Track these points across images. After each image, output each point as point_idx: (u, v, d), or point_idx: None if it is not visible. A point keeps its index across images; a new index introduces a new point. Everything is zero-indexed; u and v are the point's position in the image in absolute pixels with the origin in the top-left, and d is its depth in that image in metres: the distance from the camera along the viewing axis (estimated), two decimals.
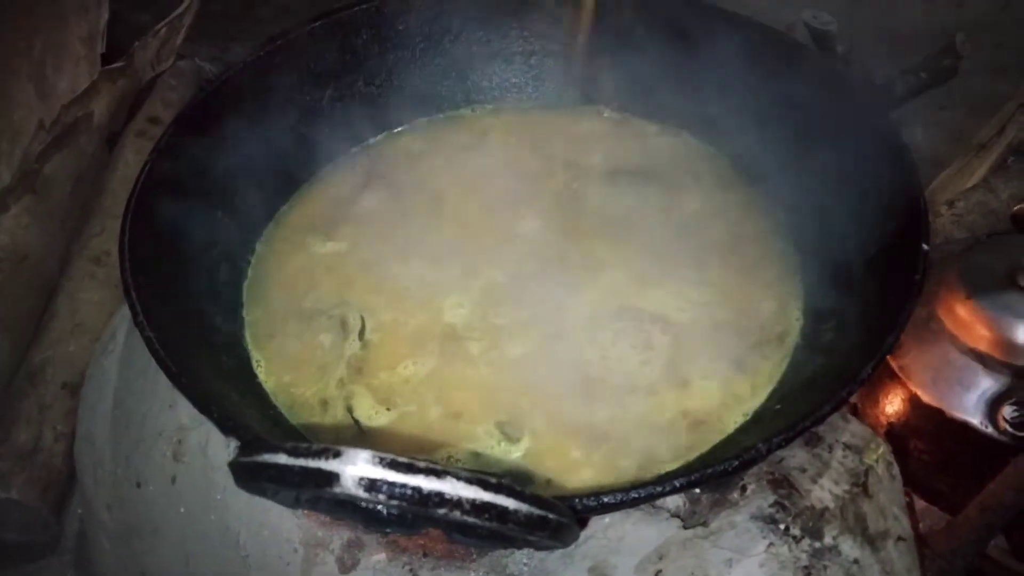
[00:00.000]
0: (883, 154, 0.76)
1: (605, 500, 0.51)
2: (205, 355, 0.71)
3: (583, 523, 0.50)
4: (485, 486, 0.39)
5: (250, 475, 0.41)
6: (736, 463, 0.52)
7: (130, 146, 1.26)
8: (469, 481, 0.39)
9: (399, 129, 0.99)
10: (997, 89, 1.31)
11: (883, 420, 0.95)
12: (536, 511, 0.40)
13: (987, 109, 1.31)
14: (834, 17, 1.28)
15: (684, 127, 0.97)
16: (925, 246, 0.65)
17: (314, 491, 0.39)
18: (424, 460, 0.39)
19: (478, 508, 0.39)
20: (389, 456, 0.39)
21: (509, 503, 0.39)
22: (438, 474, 0.39)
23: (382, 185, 0.91)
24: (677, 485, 0.51)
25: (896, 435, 0.92)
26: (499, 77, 1.02)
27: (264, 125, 0.89)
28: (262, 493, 0.43)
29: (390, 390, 0.74)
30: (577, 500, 0.49)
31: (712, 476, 0.52)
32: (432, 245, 0.85)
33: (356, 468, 0.38)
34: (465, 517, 0.38)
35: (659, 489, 0.51)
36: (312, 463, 0.38)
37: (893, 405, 0.97)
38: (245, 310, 0.81)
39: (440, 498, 0.38)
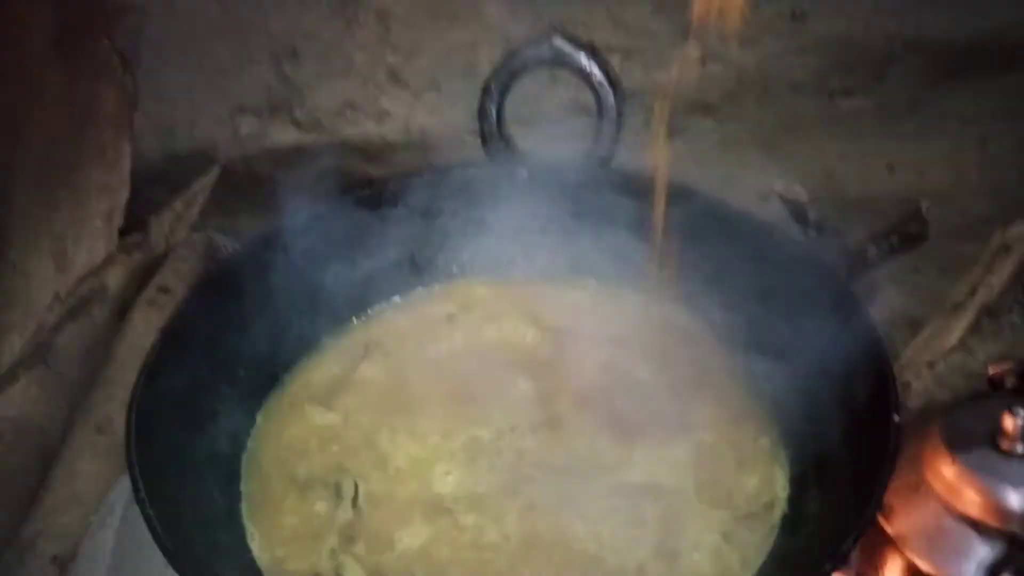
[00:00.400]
0: (851, 326, 0.81)
1: None
2: (201, 530, 0.72)
3: None
4: None
5: None
6: None
7: (140, 315, 1.30)
8: None
9: (397, 299, 1.05)
10: (964, 252, 1.37)
11: None
12: None
13: (957, 270, 1.37)
14: (805, 187, 1.37)
15: (667, 299, 1.02)
16: (896, 418, 0.67)
17: None
18: None
19: None
20: None
21: None
22: None
23: (379, 355, 0.95)
24: None
25: None
26: (492, 251, 1.08)
27: (270, 301, 0.95)
28: None
29: (381, 564, 0.74)
30: None
31: None
32: (423, 415, 0.87)
33: None
34: None
35: None
36: None
37: (893, 573, 0.95)
38: (242, 482, 0.82)
39: None
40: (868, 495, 0.61)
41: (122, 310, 1.35)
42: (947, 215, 1.42)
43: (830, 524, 0.67)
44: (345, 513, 0.78)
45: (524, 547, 0.74)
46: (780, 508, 0.76)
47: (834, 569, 0.58)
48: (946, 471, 0.89)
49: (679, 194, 1.01)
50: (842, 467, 0.72)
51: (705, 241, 0.98)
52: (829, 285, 0.86)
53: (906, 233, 1.36)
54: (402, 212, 1.06)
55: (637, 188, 1.04)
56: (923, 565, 0.90)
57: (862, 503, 0.61)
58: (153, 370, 0.77)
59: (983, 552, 0.84)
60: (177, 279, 1.36)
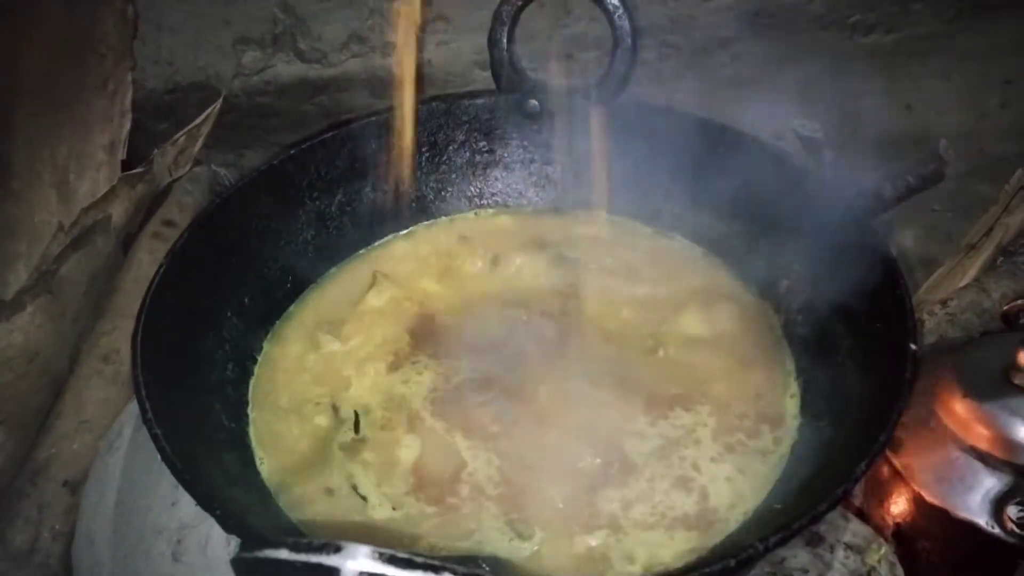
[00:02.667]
0: (870, 258, 0.79)
1: None
2: (209, 453, 0.72)
3: None
4: None
5: (252, 571, 0.41)
6: (732, 562, 0.52)
7: (145, 248, 1.29)
8: None
9: (405, 232, 1.03)
10: (981, 192, 1.35)
11: (889, 521, 0.94)
12: None
13: (974, 211, 1.35)
14: (821, 125, 1.34)
15: (676, 230, 1.01)
16: (913, 346, 0.66)
17: None
18: (423, 556, 0.40)
19: None
20: (388, 551, 0.39)
21: None
22: (435, 570, 0.39)
23: (386, 284, 0.94)
24: None
25: (903, 536, 0.91)
26: (501, 183, 1.07)
27: (275, 229, 0.94)
28: None
29: (390, 476, 0.75)
30: None
31: (722, 573, 0.52)
32: (431, 341, 0.87)
33: (356, 563, 0.39)
34: None
35: None
36: (313, 558, 0.39)
37: (898, 506, 0.96)
38: (250, 408, 0.82)
39: None
40: (883, 422, 0.61)
41: (126, 242, 1.35)
42: (965, 155, 1.39)
43: (842, 452, 0.66)
44: (346, 435, 0.79)
45: (539, 463, 0.74)
46: (790, 437, 0.75)
47: (846, 494, 0.57)
48: (957, 405, 0.89)
49: (694, 125, 0.99)
50: (855, 397, 0.71)
51: (719, 172, 0.96)
52: (845, 212, 0.84)
53: (923, 173, 1.34)
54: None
55: (650, 119, 1.02)
56: (930, 497, 0.91)
57: (876, 429, 0.61)
58: (159, 293, 0.76)
59: (990, 484, 0.85)
60: (181, 212, 1.35)
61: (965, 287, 1.19)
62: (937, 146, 1.35)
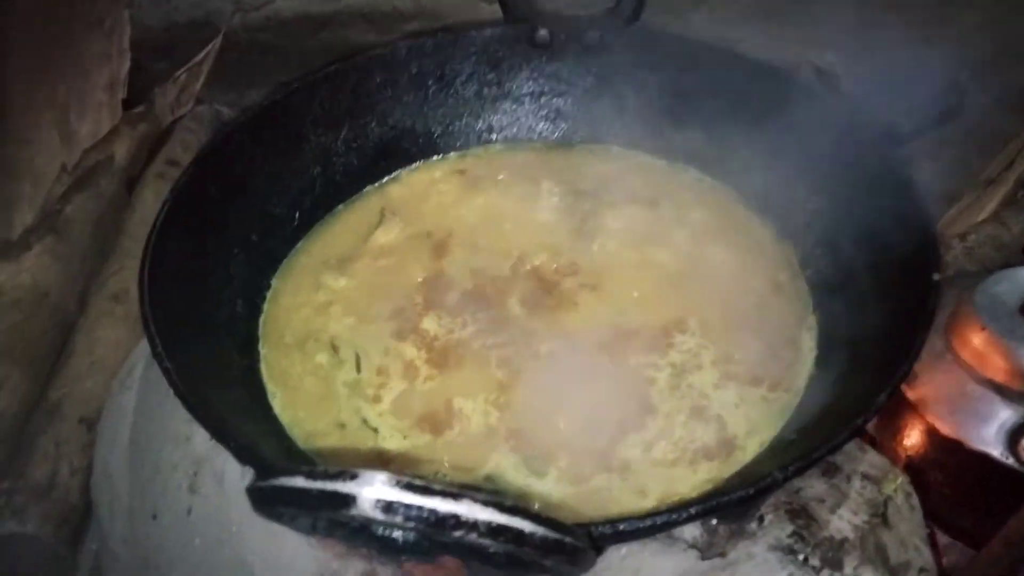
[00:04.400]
0: (892, 187, 0.77)
1: (621, 528, 0.51)
2: (221, 388, 0.71)
3: (599, 550, 0.50)
4: (500, 508, 0.39)
5: (268, 499, 0.41)
6: (751, 490, 0.52)
7: (149, 188, 1.28)
8: (485, 503, 0.39)
9: (412, 167, 1.01)
10: (1003, 126, 1.32)
11: (902, 454, 0.93)
12: (551, 534, 0.40)
13: (994, 145, 1.32)
14: (838, 57, 1.30)
15: (691, 163, 0.98)
16: (936, 276, 0.65)
17: (331, 513, 0.39)
18: (441, 483, 0.40)
19: (493, 530, 0.39)
20: (406, 478, 0.39)
21: (525, 525, 0.39)
22: (454, 496, 0.39)
23: (394, 221, 0.92)
24: (692, 512, 0.51)
25: (916, 469, 0.91)
26: (509, 117, 1.04)
27: (279, 165, 0.92)
28: (279, 519, 0.44)
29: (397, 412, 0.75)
30: (593, 527, 0.49)
31: (727, 504, 0.52)
32: (439, 281, 0.86)
33: (373, 490, 0.38)
34: (481, 540, 0.38)
35: (674, 517, 0.51)
36: (329, 485, 0.39)
37: (911, 438, 0.96)
38: (261, 344, 0.82)
39: (456, 520, 0.38)
40: (903, 353, 0.60)
41: (130, 183, 1.34)
42: (986, 88, 1.35)
43: (860, 384, 0.65)
44: (350, 374, 0.79)
45: (554, 400, 0.74)
46: (807, 368, 0.75)
47: (865, 424, 0.57)
48: (974, 338, 0.88)
49: (708, 54, 0.96)
50: (874, 329, 0.70)
51: (734, 103, 0.93)
52: (864, 143, 0.81)
53: (942, 106, 1.31)
54: (414, 77, 1.01)
55: (663, 48, 0.99)
56: (944, 429, 0.91)
57: (896, 361, 0.60)
58: (164, 230, 0.75)
59: (1005, 415, 0.84)
60: (185, 151, 1.33)
61: (984, 221, 1.17)
62: (957, 79, 1.31)
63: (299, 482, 0.39)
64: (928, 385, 0.90)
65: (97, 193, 1.24)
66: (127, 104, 1.40)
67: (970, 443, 0.84)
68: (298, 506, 0.40)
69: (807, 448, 0.56)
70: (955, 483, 0.90)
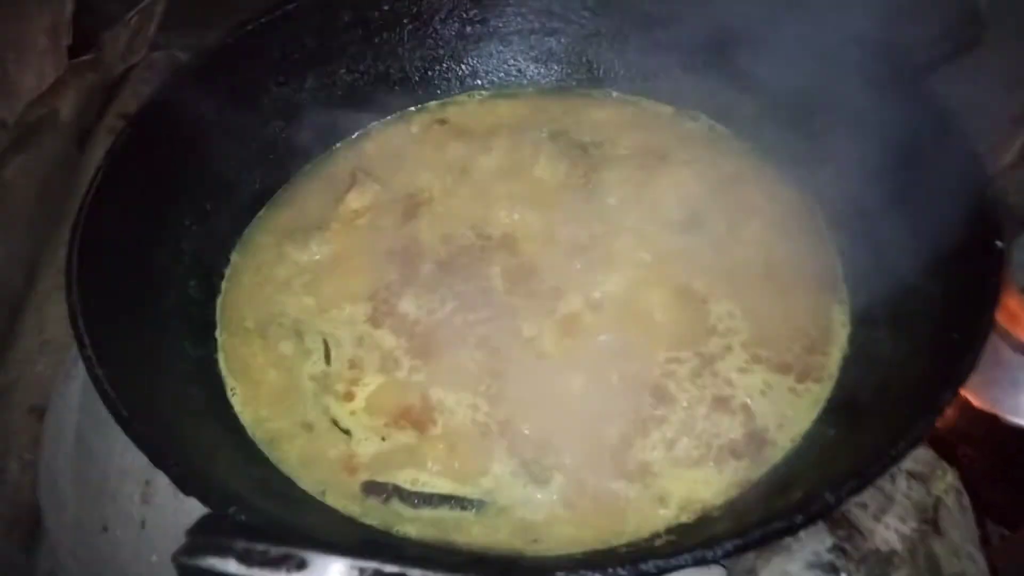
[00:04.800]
0: (937, 138, 0.67)
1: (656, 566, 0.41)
2: (170, 388, 0.62)
3: None
4: None
5: None
6: (800, 518, 0.43)
7: (101, 145, 1.16)
8: None
9: (388, 119, 0.90)
10: None
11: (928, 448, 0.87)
12: None
13: (1018, 80, 1.22)
14: None
15: (700, 110, 0.87)
16: (999, 243, 0.55)
17: None
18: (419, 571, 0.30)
19: None
20: (371, 566, 0.29)
21: None
22: None
23: (368, 182, 0.81)
24: (730, 548, 0.42)
25: (941, 442, 0.84)
26: (496, 59, 0.92)
27: (236, 121, 0.81)
28: None
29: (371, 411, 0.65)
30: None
31: (774, 534, 0.43)
32: (418, 253, 0.76)
33: None
34: None
35: (708, 554, 0.42)
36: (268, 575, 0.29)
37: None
38: (218, 331, 0.72)
39: None
40: (970, 335, 0.50)
41: (81, 140, 1.22)
42: (1006, 17, 1.25)
43: (910, 370, 0.56)
44: (316, 366, 0.69)
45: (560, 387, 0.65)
46: (840, 349, 0.65)
47: (929, 428, 0.48)
48: (1010, 300, 0.80)
49: None
50: (920, 304, 0.60)
51: (748, 41, 0.82)
52: (895, 81, 0.71)
53: (960, 36, 1.21)
54: (387, 15, 0.89)
55: None
56: (977, 401, 0.84)
57: (963, 343, 0.50)
58: (98, 201, 0.64)
59: None
60: (140, 103, 1.21)
61: (1012, 165, 1.08)
62: (976, 8, 1.21)
63: (231, 567, 0.30)
64: None
65: (41, 153, 1.13)
66: (73, 51, 1.28)
67: (1005, 416, 0.80)
68: None
69: (859, 464, 0.46)
70: (988, 458, 0.84)
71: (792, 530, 0.43)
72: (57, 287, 1.07)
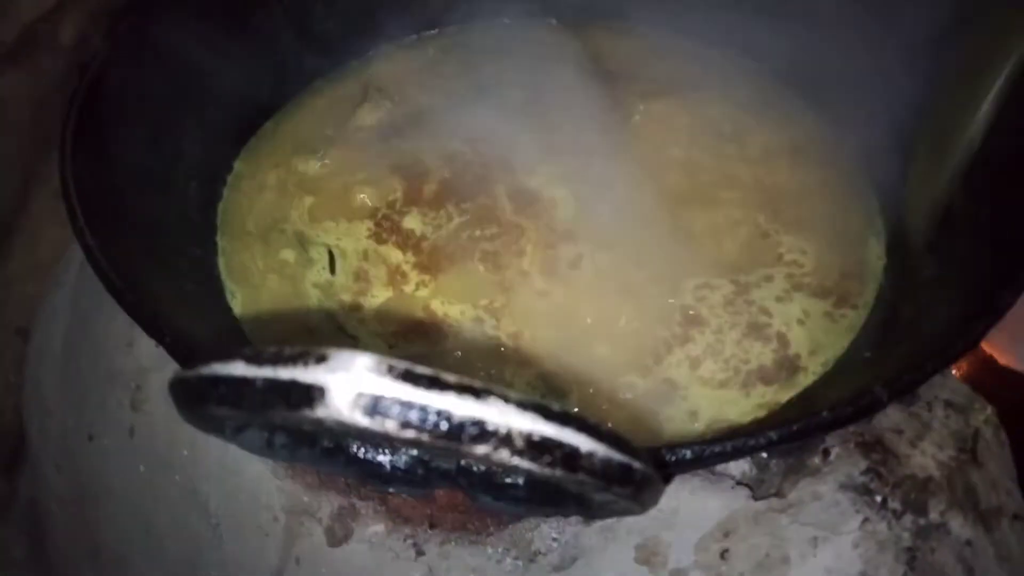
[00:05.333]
0: (980, 75, 0.63)
1: (706, 451, 0.38)
2: (166, 280, 0.58)
3: (667, 479, 0.38)
4: (548, 415, 0.26)
5: (197, 396, 0.27)
6: (850, 409, 0.39)
7: None
8: (523, 406, 0.26)
9: (406, 40, 0.86)
10: None
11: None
12: (617, 456, 0.27)
13: None
14: None
15: (729, 45, 0.84)
16: None
17: (288, 416, 0.25)
18: (455, 375, 0.26)
19: (536, 447, 0.25)
20: (402, 363, 0.26)
21: (581, 441, 0.26)
22: (477, 393, 0.25)
23: (380, 99, 0.78)
24: (796, 430, 0.38)
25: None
26: None
27: (244, 28, 0.77)
28: (220, 430, 0.31)
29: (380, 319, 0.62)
30: (666, 450, 0.36)
31: (842, 420, 0.39)
32: (431, 174, 0.72)
33: (351, 379, 0.25)
34: (516, 460, 0.25)
35: (773, 436, 0.38)
36: (284, 372, 0.25)
37: (963, 370, 0.86)
38: (219, 235, 0.68)
39: (480, 429, 0.24)
40: (1014, 254, 0.47)
41: (81, 69, 1.17)
42: None
43: (949, 295, 0.53)
44: (321, 275, 0.66)
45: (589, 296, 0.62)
46: (875, 282, 0.62)
47: (988, 328, 0.44)
48: None
49: None
50: (966, 229, 0.57)
51: None
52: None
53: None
54: None
55: None
56: (1004, 359, 0.82)
57: (1011, 256, 0.47)
58: (97, 82, 0.60)
59: None
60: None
61: None
62: None
63: (239, 368, 0.26)
64: None
65: (38, 72, 1.08)
66: None
67: None
68: (241, 405, 0.26)
69: (916, 358, 0.43)
70: (1011, 419, 0.80)
71: (839, 422, 0.40)
72: (49, 211, 1.03)
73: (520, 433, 0.25)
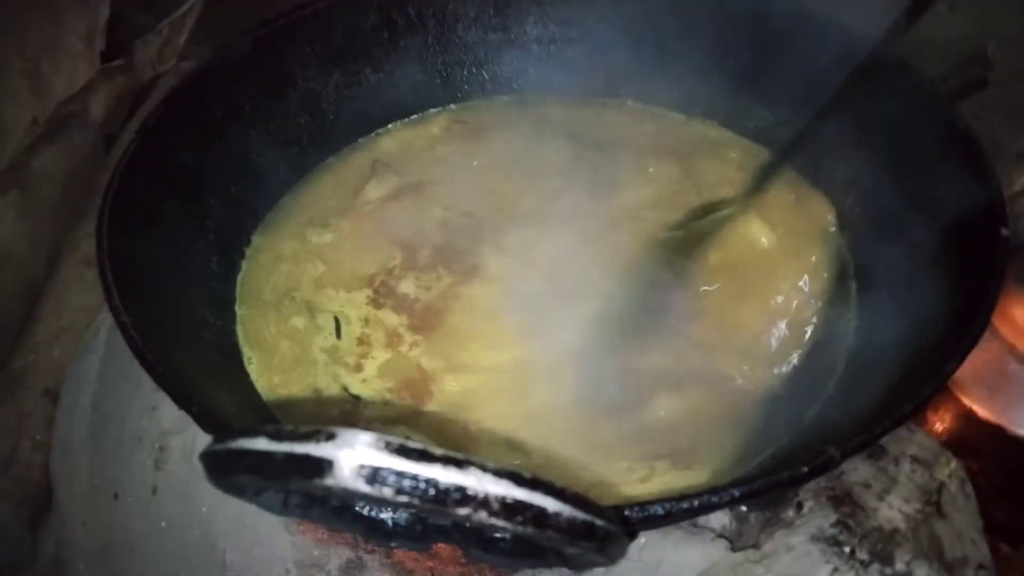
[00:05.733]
0: (945, 140, 0.69)
1: (661, 510, 0.42)
2: (191, 352, 0.63)
3: (632, 535, 0.42)
4: (519, 481, 0.31)
5: (226, 466, 0.33)
6: (806, 469, 0.44)
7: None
8: (498, 474, 0.31)
9: (410, 119, 0.93)
10: None
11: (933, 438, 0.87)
12: (581, 515, 0.32)
13: (1022, 118, 1.25)
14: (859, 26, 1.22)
15: (716, 119, 0.90)
16: (1004, 231, 0.57)
17: (303, 484, 0.30)
18: (441, 449, 0.31)
19: (508, 508, 0.30)
20: (397, 440, 0.31)
21: (548, 503, 0.31)
22: (459, 464, 0.31)
23: (388, 174, 0.84)
24: (749, 489, 0.43)
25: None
26: (516, 66, 0.95)
27: (263, 111, 0.83)
28: (241, 493, 0.36)
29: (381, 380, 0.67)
30: (628, 508, 0.41)
31: (790, 481, 0.43)
32: (434, 244, 0.78)
33: (354, 454, 0.30)
34: (492, 520, 0.30)
35: (725, 497, 0.43)
36: (299, 448, 0.30)
37: (944, 422, 0.89)
38: (237, 304, 0.74)
39: (462, 494, 0.30)
40: (970, 316, 0.52)
41: (108, 141, 1.25)
42: (1012, 60, 1.29)
43: (913, 353, 0.57)
44: (328, 340, 0.71)
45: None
46: (848, 340, 0.67)
47: (934, 393, 0.49)
48: (1016, 312, 0.81)
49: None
50: (927, 292, 0.62)
51: (763, 53, 0.85)
52: (914, 92, 0.73)
53: (967, 77, 1.25)
54: (413, 20, 0.92)
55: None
56: (983, 412, 0.85)
57: (963, 324, 0.52)
58: (130, 171, 0.66)
59: None
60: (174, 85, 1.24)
61: (1017, 193, 1.10)
62: (984, 51, 1.25)
63: (262, 444, 0.31)
64: (965, 365, 0.84)
65: (70, 147, 1.15)
66: (105, 58, 1.32)
67: (1012, 428, 0.80)
68: (262, 474, 0.32)
69: (867, 420, 0.48)
70: (993, 472, 0.83)
71: (795, 481, 0.44)
72: (77, 277, 1.09)
73: (496, 497, 0.31)
